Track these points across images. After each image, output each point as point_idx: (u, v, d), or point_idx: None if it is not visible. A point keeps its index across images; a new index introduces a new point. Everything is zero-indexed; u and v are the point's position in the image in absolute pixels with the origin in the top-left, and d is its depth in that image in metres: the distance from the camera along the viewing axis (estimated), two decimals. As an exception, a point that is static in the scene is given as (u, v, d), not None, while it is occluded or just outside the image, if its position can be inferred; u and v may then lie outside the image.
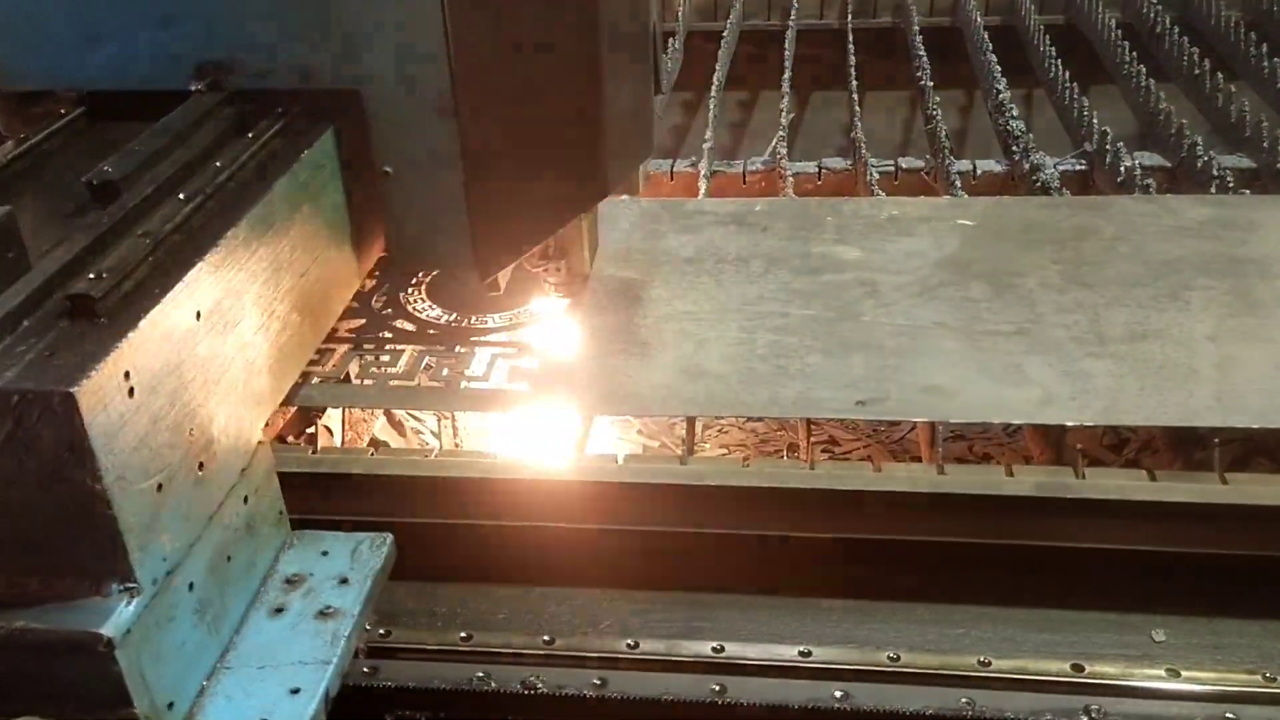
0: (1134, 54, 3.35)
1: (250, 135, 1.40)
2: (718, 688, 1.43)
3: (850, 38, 3.89)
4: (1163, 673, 1.42)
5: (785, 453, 2.15)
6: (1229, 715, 1.36)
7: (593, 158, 1.66)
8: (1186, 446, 1.68)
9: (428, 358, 1.76)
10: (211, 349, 1.20)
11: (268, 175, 1.36)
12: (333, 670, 1.25)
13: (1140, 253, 1.96)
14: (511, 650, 1.50)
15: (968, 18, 3.95)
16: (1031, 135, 2.96)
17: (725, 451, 2.18)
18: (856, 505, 1.53)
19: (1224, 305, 1.79)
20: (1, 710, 1.09)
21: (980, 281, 1.89)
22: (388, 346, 1.80)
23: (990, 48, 3.56)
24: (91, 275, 1.10)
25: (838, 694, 1.41)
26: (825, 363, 1.69)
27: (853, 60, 3.65)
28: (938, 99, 3.25)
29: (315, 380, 1.72)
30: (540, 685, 1.44)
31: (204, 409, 1.18)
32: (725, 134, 4.32)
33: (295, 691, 1.21)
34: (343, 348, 1.79)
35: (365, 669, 1.47)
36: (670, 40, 3.74)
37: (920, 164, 3.01)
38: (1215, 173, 2.57)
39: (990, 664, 1.43)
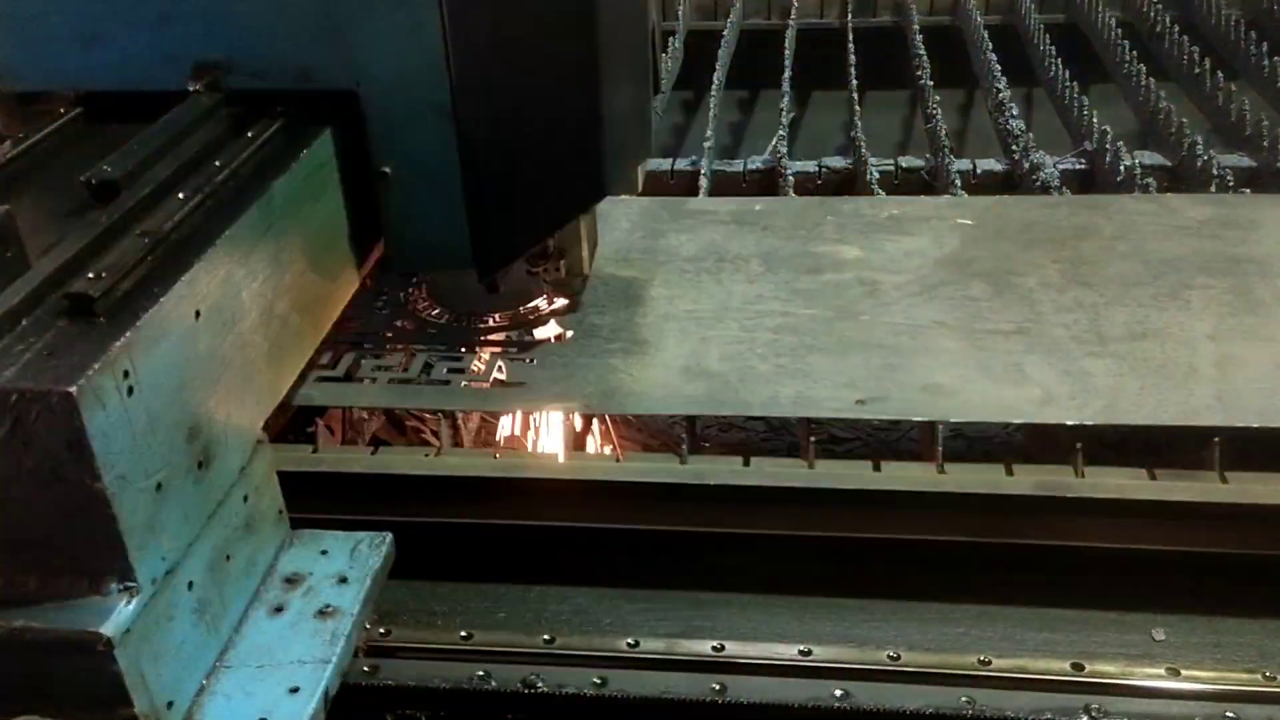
0: (1134, 53, 3.35)
1: (249, 135, 1.40)
2: (718, 687, 1.43)
3: (850, 37, 3.89)
4: (1163, 672, 1.42)
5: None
6: (1229, 714, 1.36)
7: (591, 158, 1.66)
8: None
9: (428, 357, 1.76)
10: (211, 348, 1.20)
11: (266, 175, 1.36)
12: (332, 669, 1.25)
13: (1140, 252, 1.95)
14: (511, 649, 1.50)
15: (968, 17, 3.95)
16: (1031, 134, 2.96)
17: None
18: (857, 504, 1.53)
19: (1224, 304, 1.79)
20: (1, 709, 1.09)
21: (980, 281, 1.89)
22: (388, 345, 1.80)
23: (990, 47, 3.57)
24: (90, 274, 1.10)
25: (838, 693, 1.41)
26: (825, 362, 1.69)
27: (853, 59, 3.65)
28: (938, 98, 3.25)
29: (315, 379, 1.72)
30: (540, 684, 1.44)
31: (203, 408, 1.18)
32: (725, 133, 4.32)
33: (294, 690, 1.21)
34: (343, 347, 1.79)
35: (365, 668, 1.47)
36: (670, 39, 3.75)
37: (920, 163, 3.01)
38: (1215, 172, 2.57)
39: (990, 663, 1.43)
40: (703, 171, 2.94)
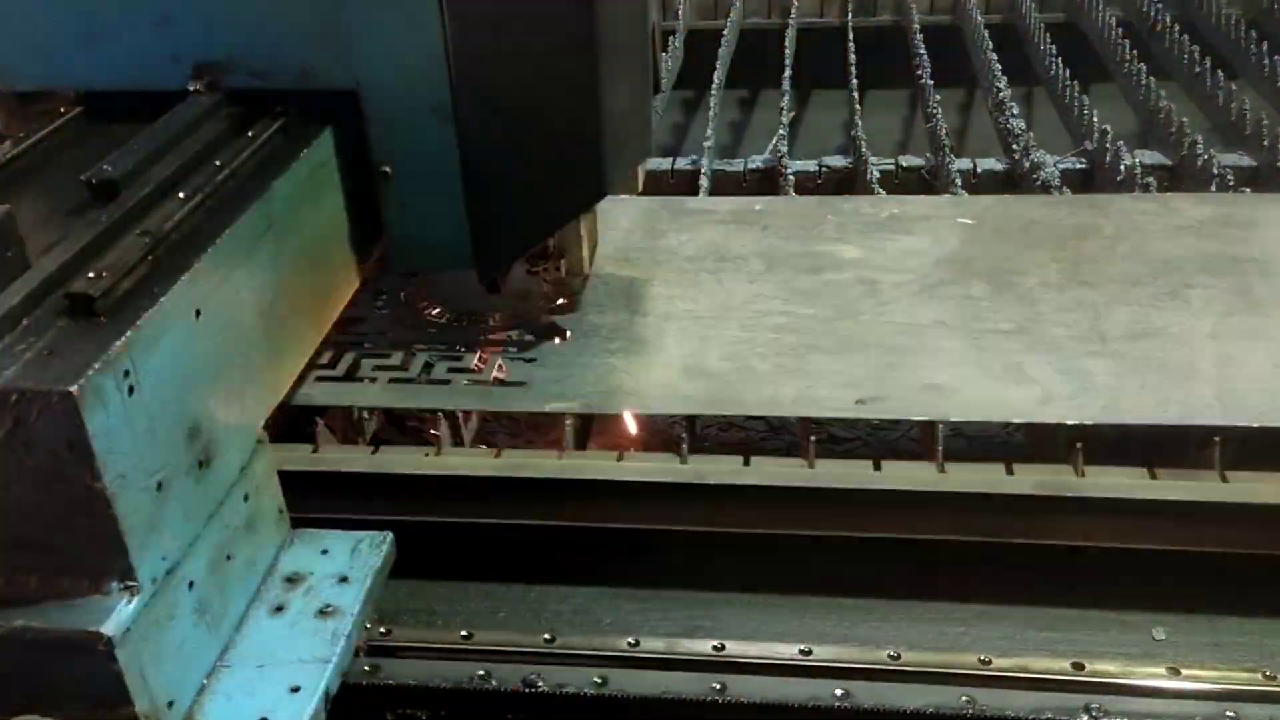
0: (1134, 52, 3.35)
1: (249, 135, 1.40)
2: (718, 686, 1.43)
3: (850, 36, 3.89)
4: (1163, 671, 1.41)
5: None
6: (1229, 713, 1.36)
7: (591, 158, 1.66)
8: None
9: (428, 356, 1.76)
10: (211, 347, 1.20)
11: (267, 175, 1.36)
12: (332, 669, 1.25)
13: (1140, 251, 1.95)
14: (512, 648, 1.49)
15: (968, 16, 3.95)
16: (1031, 134, 2.96)
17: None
18: (857, 504, 1.53)
19: (1224, 304, 1.78)
20: (1, 708, 1.09)
21: (980, 280, 1.89)
22: (388, 345, 1.80)
23: (990, 46, 3.57)
24: (91, 274, 1.10)
25: (838, 692, 1.41)
26: (825, 361, 1.69)
27: (853, 58, 3.65)
28: (938, 97, 3.25)
29: (315, 378, 1.71)
30: (541, 684, 1.44)
31: (204, 407, 1.18)
32: (725, 132, 4.32)
33: (295, 690, 1.22)
34: (343, 346, 1.79)
35: (366, 667, 1.47)
36: (670, 39, 3.75)
37: (920, 162, 3.01)
38: (1215, 171, 2.57)
39: (991, 662, 1.43)
40: (703, 171, 2.94)
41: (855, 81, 3.49)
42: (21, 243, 1.12)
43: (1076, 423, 1.55)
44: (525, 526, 1.59)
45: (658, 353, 1.74)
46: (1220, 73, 3.07)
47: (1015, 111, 3.10)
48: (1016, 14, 4.11)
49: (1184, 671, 1.41)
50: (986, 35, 3.66)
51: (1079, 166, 2.91)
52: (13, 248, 1.11)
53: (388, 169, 1.52)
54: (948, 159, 2.90)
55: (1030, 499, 1.50)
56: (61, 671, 1.06)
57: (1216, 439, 1.52)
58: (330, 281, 1.52)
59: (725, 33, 3.90)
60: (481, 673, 1.46)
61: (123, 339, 1.04)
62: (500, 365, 1.73)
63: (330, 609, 1.32)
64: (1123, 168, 2.67)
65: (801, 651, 1.46)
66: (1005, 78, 3.31)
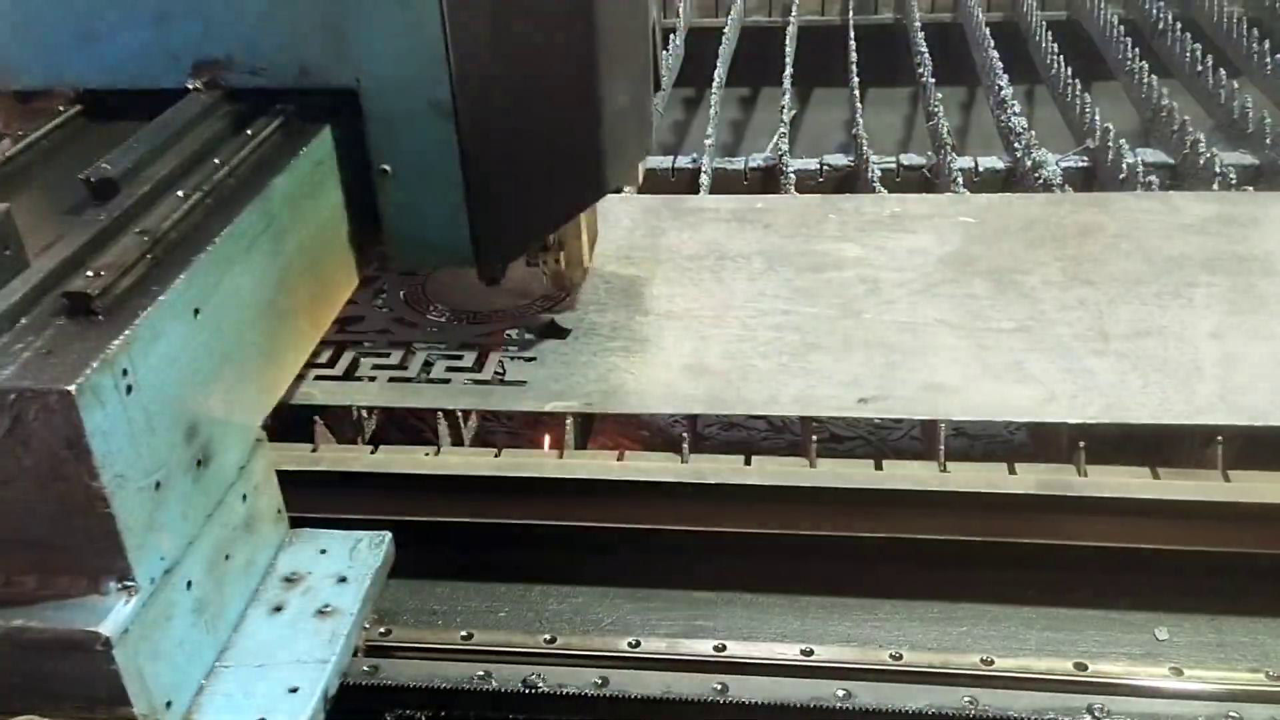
0: (1136, 50, 3.34)
1: (249, 133, 1.40)
2: (719, 686, 1.42)
3: (851, 34, 3.88)
4: (1166, 671, 1.41)
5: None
6: (1232, 714, 1.35)
7: (592, 155, 1.66)
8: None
9: (427, 355, 1.76)
10: (209, 346, 1.19)
11: (266, 173, 1.35)
12: (331, 669, 1.24)
13: (1143, 250, 1.95)
14: (512, 649, 1.49)
15: (969, 14, 3.94)
16: (1033, 132, 2.96)
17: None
18: (858, 503, 1.53)
19: (1227, 302, 1.78)
20: (0, 709, 1.09)
21: (982, 279, 1.88)
22: (388, 344, 1.80)
23: (992, 44, 3.56)
24: (89, 273, 1.10)
25: (839, 693, 1.40)
26: (827, 360, 1.69)
27: (854, 56, 3.64)
28: (939, 95, 3.24)
29: (314, 377, 1.71)
30: (541, 684, 1.44)
31: (202, 407, 1.17)
32: (726, 131, 4.32)
33: (294, 690, 1.21)
34: (343, 345, 1.78)
35: (366, 668, 1.46)
36: (671, 37, 3.74)
37: (922, 161, 3.00)
38: (1218, 169, 2.56)
39: (993, 663, 1.42)
40: (704, 169, 2.93)
41: (856, 79, 3.48)
42: (20, 241, 1.12)
43: (1079, 422, 1.55)
44: (525, 526, 1.59)
45: (659, 351, 1.74)
46: (1222, 70, 3.07)
47: (1017, 110, 3.09)
48: (1018, 12, 4.11)
49: (1187, 672, 1.41)
50: (988, 33, 3.66)
51: (1081, 165, 2.90)
52: (11, 246, 1.11)
53: (387, 167, 1.52)
54: (949, 157, 2.89)
55: (1032, 498, 1.50)
56: (59, 671, 1.06)
57: (1219, 438, 1.52)
58: (329, 280, 1.52)
59: (726, 30, 3.90)
60: (482, 673, 1.45)
61: (121, 338, 1.04)
62: (500, 364, 1.73)
63: (329, 609, 1.31)
64: (1125, 166, 2.66)
65: (803, 652, 1.45)
66: (1007, 76, 3.30)
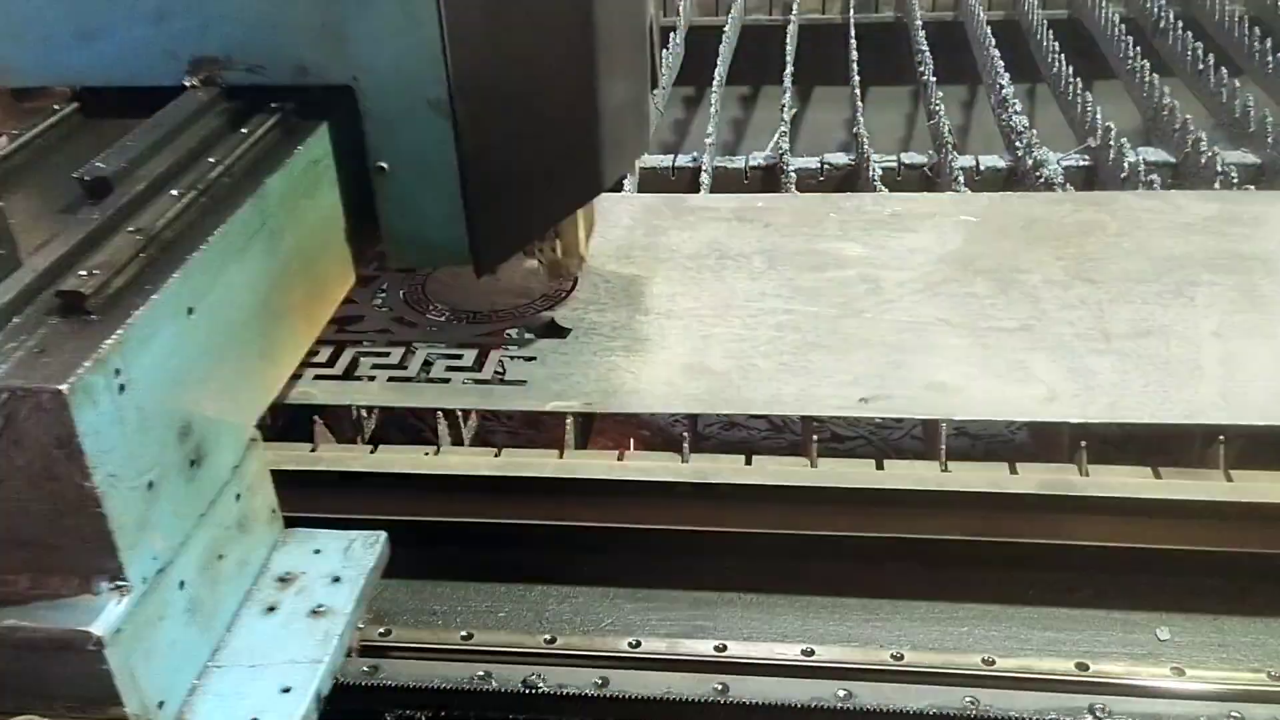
0: (1137, 48, 3.34)
1: (245, 131, 1.40)
2: (720, 687, 1.42)
3: (852, 32, 3.88)
4: (1168, 671, 1.41)
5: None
6: (1234, 714, 1.35)
7: (589, 152, 1.67)
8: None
9: (427, 354, 1.75)
10: (203, 346, 1.19)
11: (262, 171, 1.35)
12: (324, 669, 1.24)
13: (1144, 249, 1.95)
14: (512, 649, 1.49)
15: (970, 12, 3.94)
16: (1034, 131, 2.95)
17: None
18: (860, 503, 1.52)
19: (1229, 301, 1.78)
20: (-7, 708, 1.09)
21: (984, 278, 1.88)
22: (387, 343, 1.79)
23: (993, 42, 3.56)
24: (82, 272, 1.09)
25: (840, 693, 1.40)
26: (828, 360, 1.68)
27: (855, 55, 3.64)
28: (940, 94, 3.24)
29: (314, 377, 1.71)
30: (541, 684, 1.43)
31: (196, 406, 1.17)
32: (727, 129, 4.31)
33: (286, 690, 1.21)
34: (342, 344, 1.78)
35: (366, 667, 1.46)
36: (671, 35, 3.74)
37: (923, 159, 3.00)
38: (1219, 168, 2.56)
39: (994, 663, 1.42)
40: (704, 168, 2.93)
41: (857, 78, 3.48)
42: (14, 240, 1.11)
43: (1080, 421, 1.54)
44: (525, 526, 1.58)
45: (659, 351, 1.73)
46: (1224, 69, 3.06)
47: (1018, 108, 3.09)
48: (1019, 10, 4.10)
49: (1189, 672, 1.40)
50: (989, 31, 3.65)
51: (1082, 164, 2.90)
52: (4, 245, 1.10)
53: (385, 164, 1.52)
54: (950, 156, 2.89)
55: (1034, 498, 1.49)
56: (51, 671, 1.05)
57: (1221, 438, 1.51)
58: (325, 279, 1.51)
59: (726, 29, 3.89)
60: (482, 673, 1.45)
61: (114, 337, 1.03)
62: (501, 363, 1.72)
63: (322, 609, 1.30)
64: (1126, 165, 2.65)
65: (804, 652, 1.45)
66: (1008, 74, 3.30)
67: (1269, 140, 2.72)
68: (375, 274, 1.98)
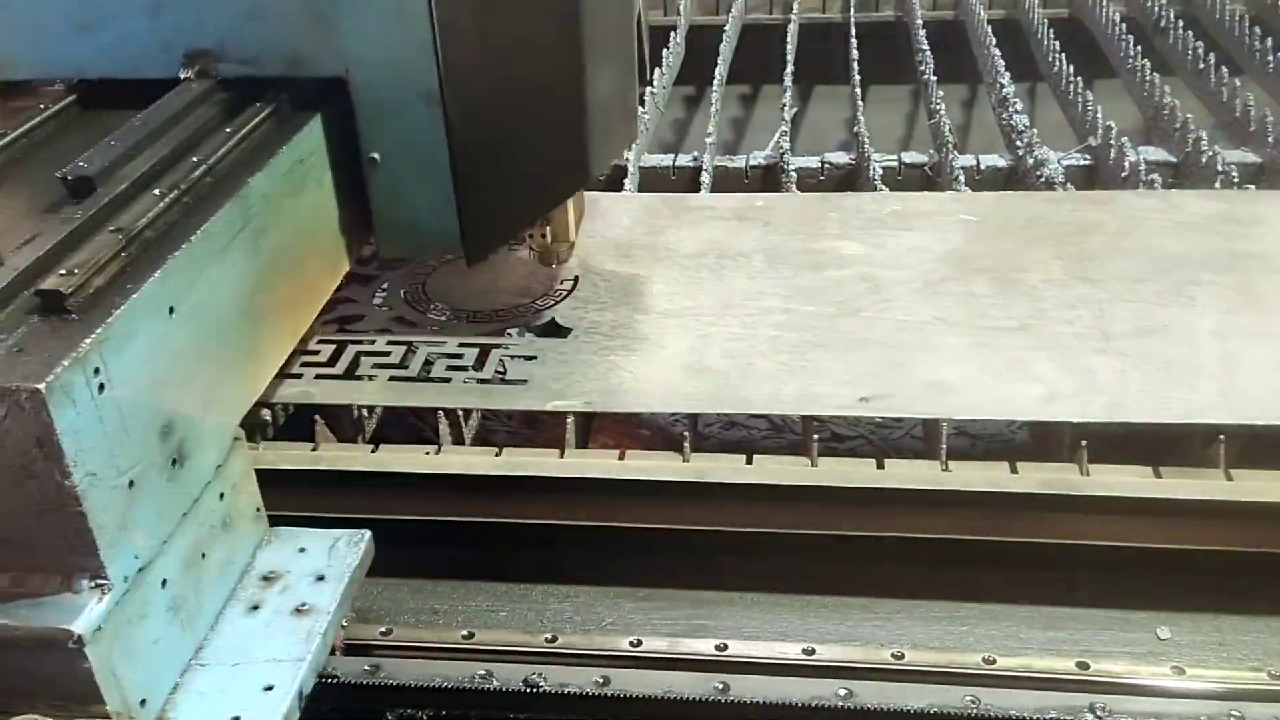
0: (1138, 48, 3.33)
1: (235, 124, 1.40)
2: (721, 686, 1.42)
3: (853, 31, 3.88)
4: (1168, 670, 1.41)
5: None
6: (1234, 713, 1.35)
7: (577, 143, 1.68)
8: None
9: (428, 353, 1.76)
10: (185, 345, 1.19)
11: (246, 171, 1.35)
12: (307, 667, 1.24)
13: (1144, 248, 1.95)
14: (513, 648, 1.49)
15: (970, 11, 3.93)
16: (1035, 130, 2.95)
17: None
18: (860, 502, 1.53)
19: (1228, 301, 1.77)
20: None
21: (983, 277, 1.88)
22: (388, 342, 1.79)
23: (993, 41, 3.55)
24: (63, 271, 1.10)
25: (841, 692, 1.40)
26: (828, 359, 1.68)
27: (855, 54, 3.63)
28: (941, 93, 3.24)
29: (314, 376, 1.71)
30: (542, 683, 1.43)
31: (177, 405, 1.17)
32: (727, 128, 4.31)
33: (269, 689, 1.21)
34: (342, 343, 1.78)
35: (366, 667, 1.46)
36: (672, 34, 3.73)
37: (923, 159, 3.00)
38: (1220, 168, 2.55)
39: (995, 662, 1.42)
40: (705, 167, 2.93)
41: (858, 77, 3.47)
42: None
43: (1080, 421, 1.54)
44: (526, 525, 1.59)
45: (659, 350, 1.73)
46: (1224, 69, 3.06)
47: (1019, 107, 3.09)
48: (1019, 9, 4.10)
49: (1189, 671, 1.40)
50: (989, 30, 3.65)
51: (1083, 163, 2.89)
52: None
53: (376, 155, 1.53)
54: (951, 155, 2.88)
55: (1034, 498, 1.49)
56: (32, 669, 1.05)
57: (1221, 437, 1.51)
58: (311, 277, 1.51)
59: (727, 28, 3.89)
60: (483, 672, 1.45)
61: (93, 336, 1.03)
62: (501, 362, 1.72)
63: (306, 607, 1.31)
64: (1127, 164, 2.65)
65: (805, 651, 1.45)
66: (1008, 73, 3.29)
67: (1269, 140, 2.71)
68: (376, 273, 1.99)
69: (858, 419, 2.10)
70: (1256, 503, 1.46)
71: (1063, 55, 3.40)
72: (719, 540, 1.59)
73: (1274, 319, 1.72)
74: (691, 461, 1.58)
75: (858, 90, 3.38)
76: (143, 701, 1.13)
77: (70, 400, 0.99)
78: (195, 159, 1.32)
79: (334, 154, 1.51)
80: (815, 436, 1.59)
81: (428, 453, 1.63)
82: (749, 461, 1.57)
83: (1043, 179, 2.68)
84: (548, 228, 1.89)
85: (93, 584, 1.05)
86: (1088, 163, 2.89)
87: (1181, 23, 3.47)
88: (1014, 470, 1.52)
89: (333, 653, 1.36)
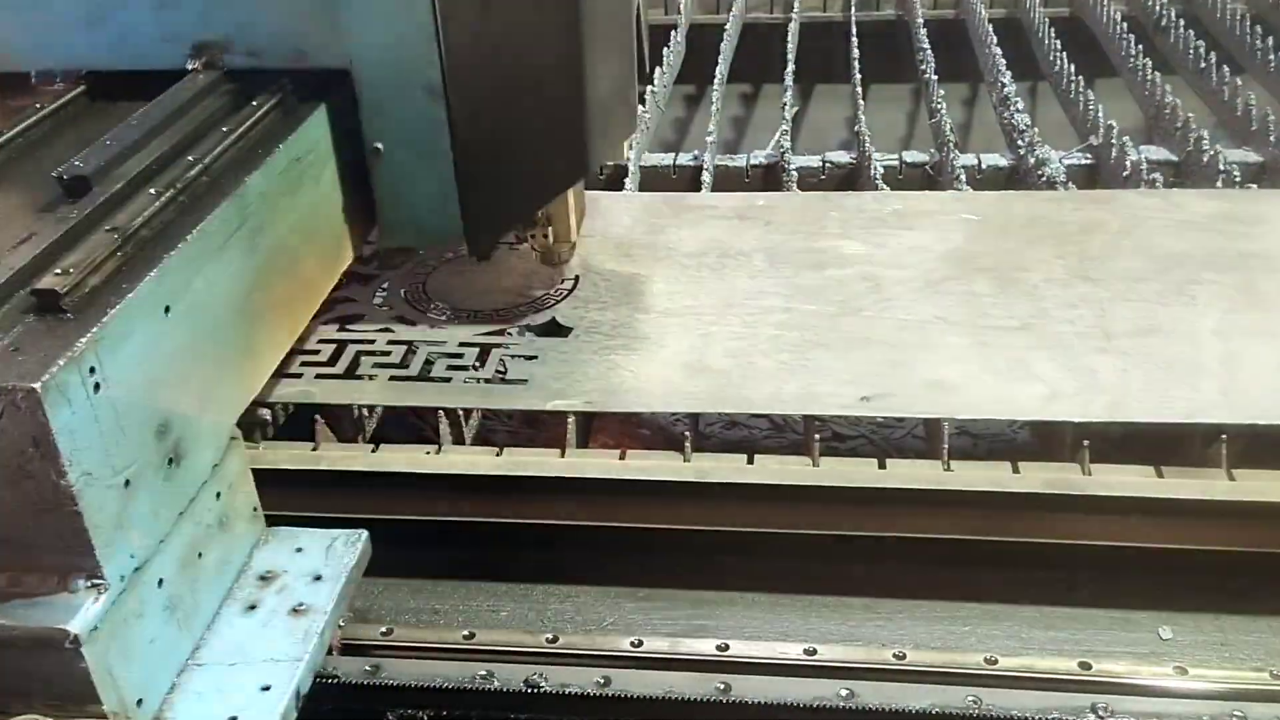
0: (1139, 47, 3.33)
1: (234, 121, 1.40)
2: (722, 686, 1.42)
3: (853, 30, 3.87)
4: (1170, 670, 1.40)
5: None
6: (1236, 713, 1.34)
7: (577, 135, 1.69)
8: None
9: (428, 353, 1.75)
10: (181, 344, 1.19)
11: (242, 170, 1.35)
12: (304, 667, 1.24)
13: (1146, 247, 1.94)
14: (514, 648, 1.49)
15: (971, 10, 3.93)
16: (1036, 129, 2.94)
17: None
18: (862, 502, 1.52)
19: (1230, 300, 1.77)
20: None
21: (985, 276, 1.87)
22: (388, 342, 1.79)
23: (994, 40, 3.55)
24: (58, 270, 1.10)
25: (842, 692, 1.40)
26: (829, 358, 1.68)
27: (856, 53, 3.63)
28: (942, 92, 3.23)
29: (315, 376, 1.71)
30: (543, 684, 1.43)
31: (174, 404, 1.17)
32: (728, 127, 4.31)
33: (266, 688, 1.21)
34: (342, 343, 1.78)
35: (367, 667, 1.46)
36: (673, 33, 3.73)
37: (924, 158, 2.99)
38: (1221, 167, 2.55)
39: (997, 662, 1.42)
40: (705, 166, 2.92)
41: (859, 76, 3.47)
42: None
43: (1083, 420, 1.54)
44: (527, 525, 1.58)
45: (660, 350, 1.73)
46: (1226, 68, 3.06)
47: (1020, 107, 3.08)
48: (1020, 8, 4.09)
49: (1191, 671, 1.40)
50: (990, 29, 3.64)
51: (1084, 162, 2.89)
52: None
53: (380, 145, 1.54)
54: (952, 154, 2.88)
55: (1036, 497, 1.49)
56: (29, 669, 1.05)
57: (1223, 436, 1.51)
58: (309, 276, 1.51)
59: (727, 27, 3.88)
60: (484, 673, 1.45)
61: (88, 336, 1.03)
62: (501, 362, 1.72)
63: (303, 607, 1.31)
64: (1128, 163, 2.65)
65: (806, 651, 1.45)
66: (1010, 73, 3.29)
67: (1271, 139, 2.71)
68: (376, 273, 1.98)
69: (859, 418, 2.10)
70: (1258, 502, 1.46)
71: (1064, 54, 3.40)
72: (720, 540, 1.58)
73: (1276, 318, 1.72)
74: (692, 461, 1.58)
75: (859, 89, 3.38)
76: (139, 701, 1.13)
77: (66, 400, 0.99)
78: (192, 158, 1.32)
79: (337, 146, 1.51)
80: (816, 436, 1.59)
81: (428, 452, 1.62)
82: (750, 461, 1.57)
83: (1044, 178, 2.68)
84: (549, 228, 1.89)
85: (89, 583, 1.05)
86: (1089, 162, 2.88)
87: (1183, 22, 3.47)
88: (1016, 470, 1.52)
89: (330, 652, 1.35)
